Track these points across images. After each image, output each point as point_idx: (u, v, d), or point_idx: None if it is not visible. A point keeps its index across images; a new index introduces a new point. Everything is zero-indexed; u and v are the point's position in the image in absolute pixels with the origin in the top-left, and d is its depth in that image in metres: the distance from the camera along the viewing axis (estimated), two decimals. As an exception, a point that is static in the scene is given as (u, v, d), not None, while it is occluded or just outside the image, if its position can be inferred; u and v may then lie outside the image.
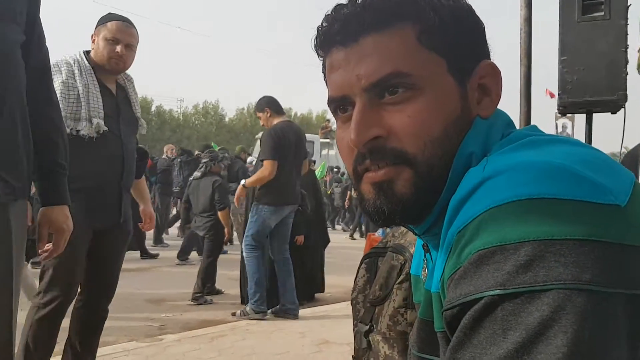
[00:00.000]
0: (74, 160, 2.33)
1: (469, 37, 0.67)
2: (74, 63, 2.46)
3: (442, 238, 0.58)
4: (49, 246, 1.63)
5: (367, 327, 1.53)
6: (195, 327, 4.24)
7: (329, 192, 13.87)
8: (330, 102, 0.69)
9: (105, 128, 2.42)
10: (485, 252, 0.49)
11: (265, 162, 4.22)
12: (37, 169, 1.53)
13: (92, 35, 2.54)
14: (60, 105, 2.33)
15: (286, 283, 4.43)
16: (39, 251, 1.64)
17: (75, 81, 2.42)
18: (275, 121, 4.36)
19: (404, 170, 0.63)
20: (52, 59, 2.45)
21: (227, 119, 42.79)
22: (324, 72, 0.71)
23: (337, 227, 14.50)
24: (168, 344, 3.56)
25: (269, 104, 4.43)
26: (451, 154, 0.64)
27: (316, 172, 14.13)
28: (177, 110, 41.87)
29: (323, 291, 5.54)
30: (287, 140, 4.25)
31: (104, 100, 2.46)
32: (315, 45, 0.70)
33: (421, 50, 0.64)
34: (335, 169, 16.08)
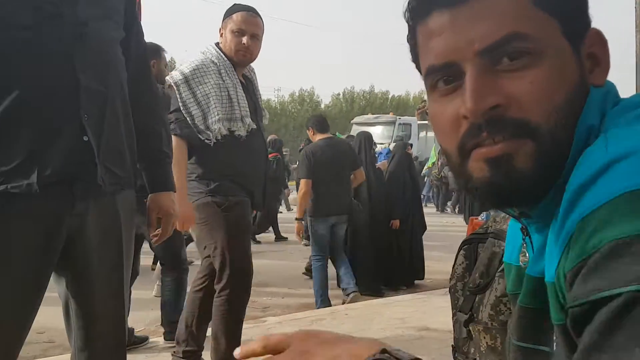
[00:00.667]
0: (234, 159, 2.42)
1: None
2: (217, 61, 2.46)
3: (558, 224, 0.52)
4: (158, 231, 1.72)
5: (467, 316, 1.46)
6: (295, 310, 4.36)
7: (439, 177, 13.39)
8: (430, 72, 0.61)
9: (254, 126, 2.47)
10: (621, 242, 0.43)
11: (300, 182, 4.71)
12: (143, 158, 1.61)
13: (219, 29, 2.53)
14: (216, 108, 2.36)
15: (340, 271, 4.73)
16: (150, 235, 1.73)
17: (224, 81, 2.43)
18: (317, 138, 4.76)
19: (525, 143, 0.56)
20: (192, 59, 2.46)
21: (322, 105, 43.13)
22: (411, 42, 0.65)
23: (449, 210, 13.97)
24: (270, 326, 3.68)
25: (314, 123, 4.88)
26: (573, 126, 0.57)
27: (429, 157, 13.67)
28: (275, 99, 42.82)
29: (423, 278, 5.45)
30: (321, 156, 4.59)
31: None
32: (409, 9, 0.63)
33: (536, 11, 0.58)
34: None
